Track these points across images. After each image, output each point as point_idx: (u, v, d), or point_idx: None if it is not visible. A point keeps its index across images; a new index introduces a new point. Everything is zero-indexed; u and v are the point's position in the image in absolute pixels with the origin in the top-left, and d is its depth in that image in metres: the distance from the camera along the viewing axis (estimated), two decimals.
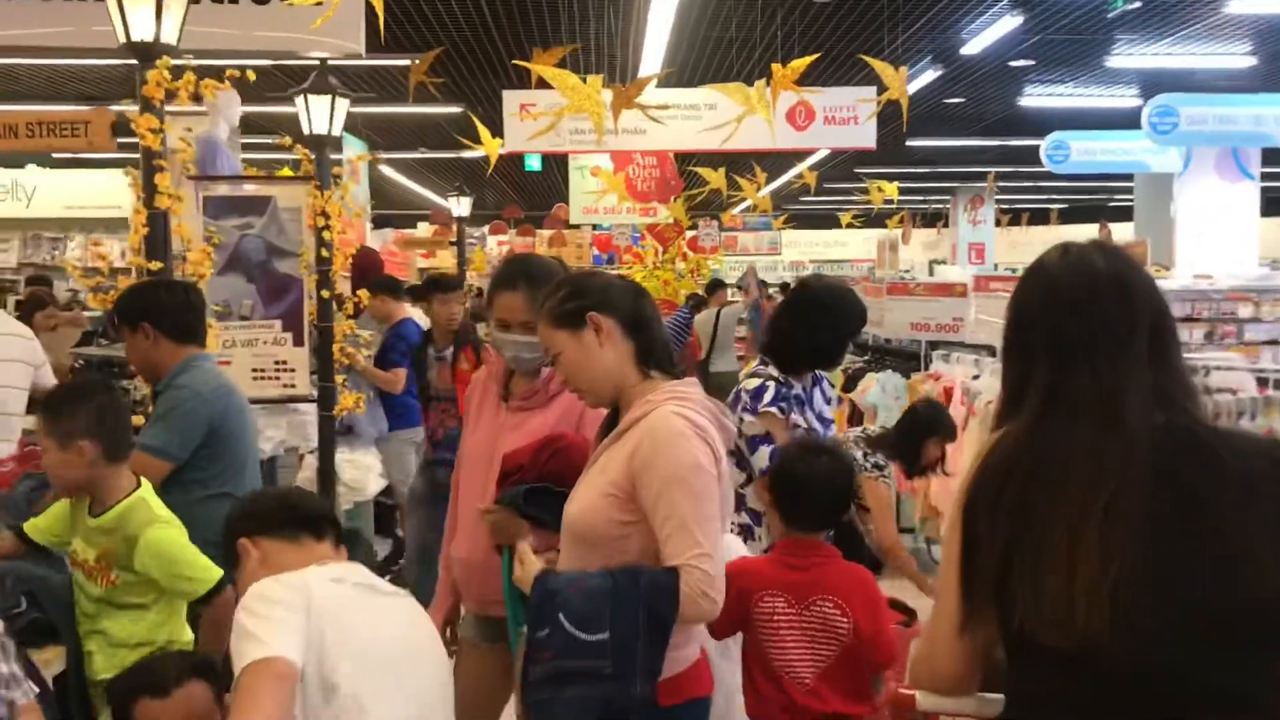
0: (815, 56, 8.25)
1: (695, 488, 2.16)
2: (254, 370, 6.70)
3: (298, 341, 6.72)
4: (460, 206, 12.82)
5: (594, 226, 22.47)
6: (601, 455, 2.33)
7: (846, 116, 9.53)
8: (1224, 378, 5.50)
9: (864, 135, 9.61)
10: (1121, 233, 23.20)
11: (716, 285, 13.19)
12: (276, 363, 6.73)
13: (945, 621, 1.61)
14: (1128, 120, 13.58)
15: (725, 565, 2.26)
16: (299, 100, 6.49)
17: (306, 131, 6.52)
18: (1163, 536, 1.45)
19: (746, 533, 3.45)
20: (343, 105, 6.53)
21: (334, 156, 7.06)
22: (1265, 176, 12.88)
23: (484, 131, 10.43)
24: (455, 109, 12.44)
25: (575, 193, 15.44)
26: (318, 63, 6.36)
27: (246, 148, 15.32)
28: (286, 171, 14.97)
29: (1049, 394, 1.57)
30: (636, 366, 2.36)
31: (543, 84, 8.63)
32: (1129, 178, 16.87)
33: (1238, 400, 5.19)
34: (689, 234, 20.58)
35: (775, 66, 8.28)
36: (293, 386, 6.73)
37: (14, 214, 13.90)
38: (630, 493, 2.21)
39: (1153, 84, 11.73)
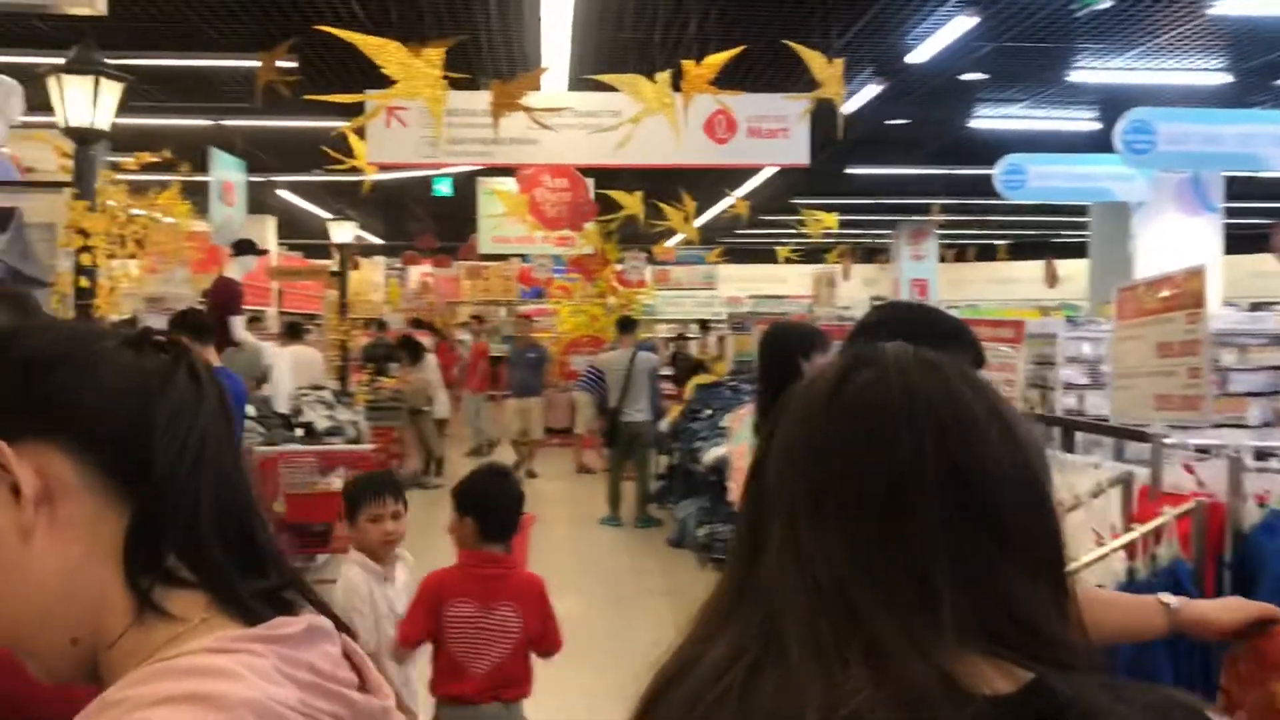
0: (737, 51, 6.82)
1: None
2: None
3: None
4: (342, 232, 11.24)
5: (522, 258, 20.98)
6: None
7: (774, 128, 8.10)
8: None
9: (795, 149, 8.17)
10: (1071, 268, 22.21)
11: (627, 324, 11.71)
12: None
13: None
14: (1088, 145, 12.36)
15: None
16: (51, 83, 4.92)
17: (63, 123, 4.95)
18: None
19: None
20: (112, 90, 4.97)
21: (110, 159, 5.47)
22: (1230, 212, 11.71)
23: (357, 145, 8.92)
24: (338, 121, 10.91)
25: (484, 219, 13.93)
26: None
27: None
28: (166, 196, 13.19)
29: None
30: (126, 582, 0.89)
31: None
32: (1080, 211, 15.73)
33: None
34: (617, 267, 19.24)
35: (688, 64, 6.85)
36: None
37: None
38: None
39: (1117, 103, 10.49)
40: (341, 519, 3.84)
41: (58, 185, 5.05)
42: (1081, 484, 3.27)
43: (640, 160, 7.72)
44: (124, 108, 12.14)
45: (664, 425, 11.85)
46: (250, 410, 8.44)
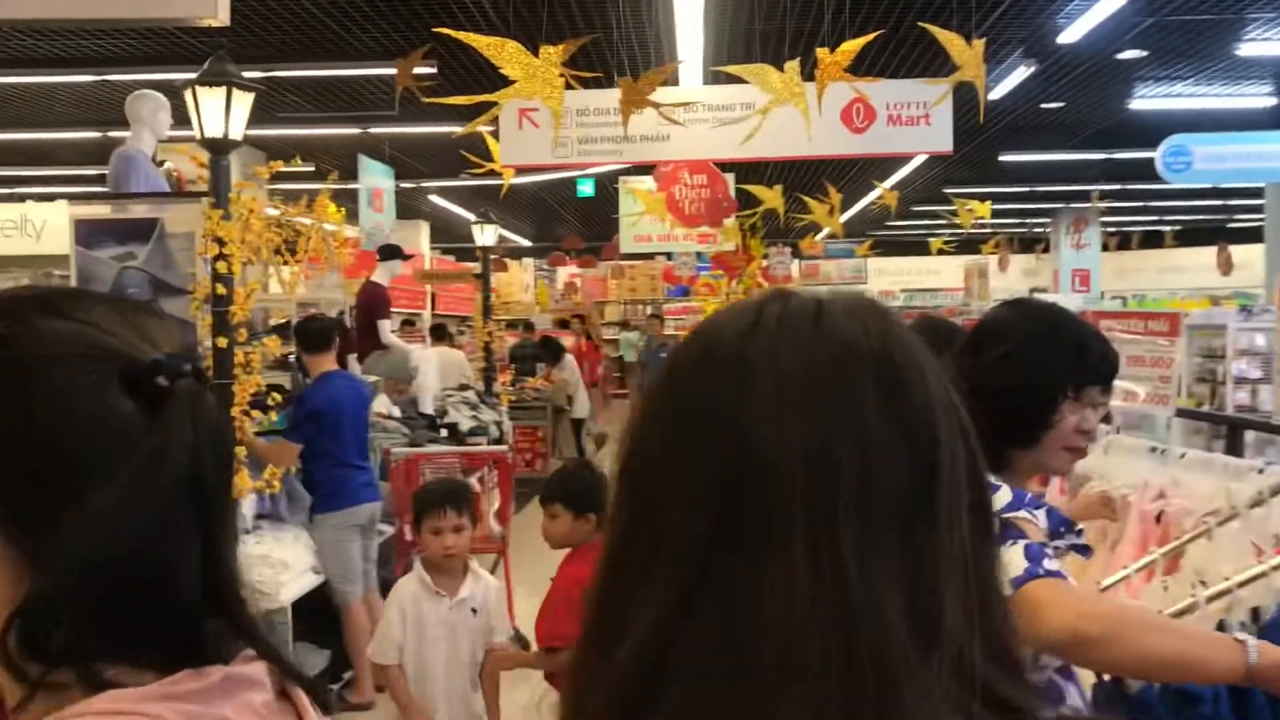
0: (873, 36, 6.57)
1: None
2: None
3: None
4: (485, 235, 11.34)
5: (668, 256, 20.95)
6: None
7: (915, 115, 7.79)
8: None
9: (937, 137, 7.84)
10: (1247, 254, 20.89)
11: None
12: None
13: None
14: (1262, 121, 11.58)
15: None
16: (187, 96, 5.05)
17: (199, 134, 5.08)
18: None
19: None
20: (244, 100, 5.07)
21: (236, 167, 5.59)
22: None
23: (495, 147, 8.97)
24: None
25: (624, 218, 13.92)
26: None
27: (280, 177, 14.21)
28: (330, 209, 13.63)
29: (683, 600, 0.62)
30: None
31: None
32: (1255, 193, 14.76)
33: None
34: (762, 262, 19.02)
35: (822, 52, 6.63)
36: None
37: (23, 250, 12.90)
38: None
39: None
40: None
41: (195, 195, 5.18)
42: (1242, 491, 2.97)
43: (774, 153, 7.54)
44: (274, 119, 12.61)
45: None
46: (395, 411, 8.59)
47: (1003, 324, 2.02)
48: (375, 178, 12.35)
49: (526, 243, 26.91)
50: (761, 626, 0.61)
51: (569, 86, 7.33)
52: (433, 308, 19.80)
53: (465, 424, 10.08)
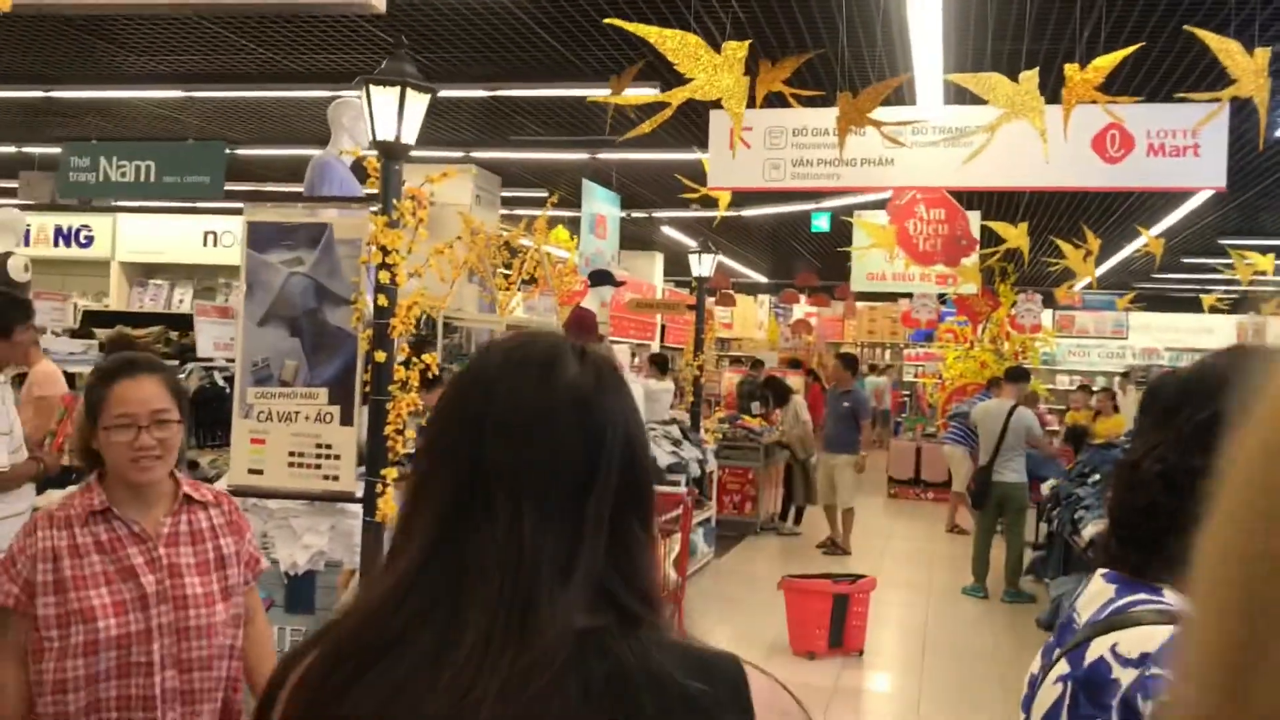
0: (1131, 50, 5.70)
1: None
2: (291, 455, 5.03)
3: (346, 419, 5.00)
4: (702, 265, 10.91)
5: (909, 297, 19.98)
6: None
7: (1181, 145, 6.77)
8: None
9: (1208, 170, 6.77)
10: None
11: (1015, 374, 10.49)
12: (319, 446, 5.03)
13: None
14: None
15: None
16: (361, 95, 4.81)
17: (370, 136, 4.83)
18: None
19: None
20: (419, 102, 4.79)
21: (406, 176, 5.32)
22: None
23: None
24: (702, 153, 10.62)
25: (854, 252, 13.18)
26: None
27: (511, 201, 14.23)
28: (563, 235, 13.52)
29: (432, 543, 1.09)
30: None
31: (771, 101, 6.60)
32: None
33: None
34: (1010, 309, 17.82)
35: (1071, 68, 5.81)
36: (335, 479, 5.00)
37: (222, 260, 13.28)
38: None
39: None
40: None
41: (363, 200, 4.95)
42: None
43: (1010, 180, 6.71)
44: (506, 142, 12.62)
45: (1046, 488, 10.56)
46: None
47: (1208, 377, 1.39)
48: (599, 203, 12.14)
49: (762, 279, 26.39)
50: (474, 564, 1.04)
51: (785, 104, 6.79)
52: (662, 339, 19.60)
53: (664, 459, 9.64)
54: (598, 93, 9.61)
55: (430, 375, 4.87)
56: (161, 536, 2.41)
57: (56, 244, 12.56)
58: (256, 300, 5.07)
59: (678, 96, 5.23)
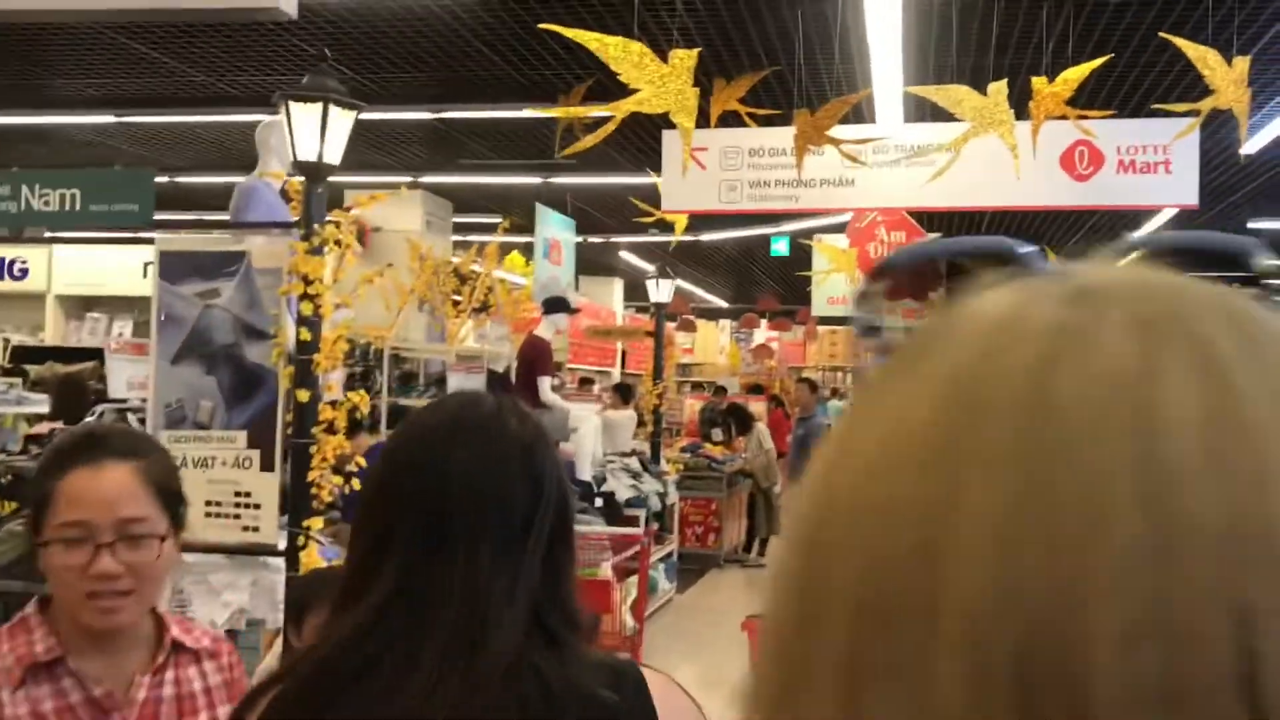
0: (1102, 61, 5.44)
1: None
2: (208, 504, 4.61)
3: (266, 465, 4.59)
4: (660, 290, 10.58)
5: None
6: None
7: (1152, 160, 6.51)
8: None
9: (1179, 188, 6.50)
10: None
11: None
12: (237, 494, 4.62)
13: None
14: None
15: None
16: (281, 112, 4.44)
17: (291, 155, 4.45)
18: None
19: None
20: (344, 119, 4.42)
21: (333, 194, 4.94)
22: None
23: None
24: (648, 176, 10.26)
25: (818, 278, 12.90)
26: None
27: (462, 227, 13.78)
28: (519, 261, 13.09)
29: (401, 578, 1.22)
30: None
31: (726, 120, 6.29)
32: None
33: None
34: None
35: (1038, 82, 5.54)
36: (256, 530, 4.59)
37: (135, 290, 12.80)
38: None
39: None
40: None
41: (285, 226, 4.57)
42: None
43: (976, 200, 6.43)
44: (456, 166, 12.26)
45: None
46: None
47: None
48: (553, 228, 11.78)
49: (724, 303, 26.14)
50: (435, 597, 1.16)
51: (741, 123, 6.48)
52: (622, 366, 19.20)
53: (623, 493, 9.26)
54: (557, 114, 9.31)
55: (359, 417, 4.48)
56: (134, 706, 1.62)
57: None
58: (169, 336, 4.67)
59: (623, 108, 4.89)
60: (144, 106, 9.98)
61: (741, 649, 7.53)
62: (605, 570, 5.99)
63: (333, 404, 4.53)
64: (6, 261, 12.04)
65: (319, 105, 4.35)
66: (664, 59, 4.81)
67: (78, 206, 9.34)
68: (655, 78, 4.69)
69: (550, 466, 1.24)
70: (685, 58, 4.88)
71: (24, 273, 12.08)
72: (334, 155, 4.43)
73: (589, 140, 5.26)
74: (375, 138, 10.81)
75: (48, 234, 11.67)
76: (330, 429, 4.43)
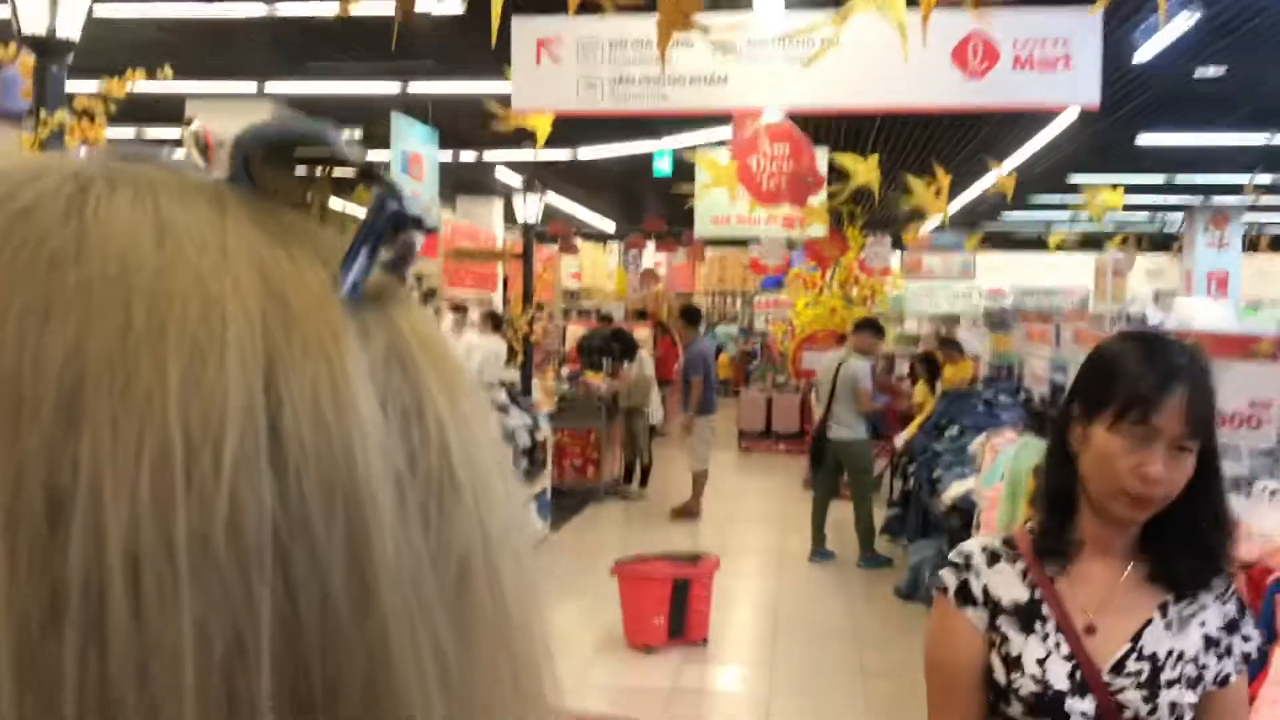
0: None
1: None
2: None
3: None
4: (527, 207, 9.78)
5: (758, 241, 19.19)
6: None
7: (1052, 56, 5.92)
8: None
9: (1080, 86, 5.95)
10: None
11: (861, 325, 9.74)
12: None
13: None
14: None
15: None
16: None
17: (15, 30, 3.56)
18: None
19: None
20: None
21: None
22: None
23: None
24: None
25: (699, 195, 12.20)
26: None
27: None
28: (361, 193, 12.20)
29: None
30: None
31: (585, 8, 5.50)
32: None
33: None
34: (860, 253, 17.28)
35: None
36: None
37: None
38: None
39: None
40: None
41: (14, 116, 3.70)
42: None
43: (860, 100, 5.78)
44: (305, 71, 11.18)
45: (900, 439, 9.86)
46: None
47: None
48: (412, 141, 10.86)
49: (611, 226, 25.35)
50: None
51: (600, 10, 5.70)
52: (504, 290, 18.33)
53: None
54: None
55: None
56: None
57: None
58: None
59: None
60: None
61: (616, 593, 6.98)
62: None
63: None
64: None
65: None
66: None
67: None
68: None
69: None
70: None
71: None
72: (71, 29, 3.55)
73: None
74: (211, 37, 9.73)
75: None
76: None
